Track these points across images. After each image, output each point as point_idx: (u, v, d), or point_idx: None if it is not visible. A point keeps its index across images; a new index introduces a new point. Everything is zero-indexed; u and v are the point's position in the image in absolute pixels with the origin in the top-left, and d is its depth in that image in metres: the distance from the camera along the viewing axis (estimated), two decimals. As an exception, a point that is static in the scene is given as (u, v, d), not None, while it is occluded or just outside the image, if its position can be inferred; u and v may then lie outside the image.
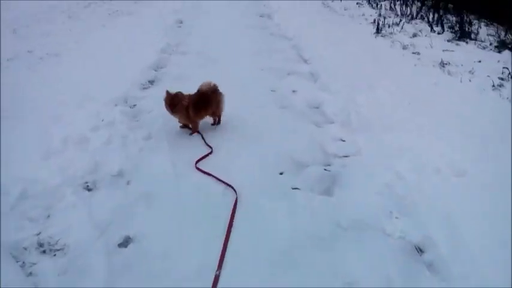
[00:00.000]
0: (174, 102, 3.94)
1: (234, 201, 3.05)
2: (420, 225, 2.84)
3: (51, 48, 7.19)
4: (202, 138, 4.12)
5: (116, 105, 4.87)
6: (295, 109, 4.97)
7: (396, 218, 2.95)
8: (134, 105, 4.98)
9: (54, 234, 2.72)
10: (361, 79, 5.71)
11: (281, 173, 3.54)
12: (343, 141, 4.15)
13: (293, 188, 3.31)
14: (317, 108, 5.01)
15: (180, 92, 3.97)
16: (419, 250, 2.70)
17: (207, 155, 3.77)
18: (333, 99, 5.12)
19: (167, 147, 3.94)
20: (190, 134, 4.23)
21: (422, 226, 2.83)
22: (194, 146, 3.99)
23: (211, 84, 4.22)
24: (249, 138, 4.13)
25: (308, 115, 4.80)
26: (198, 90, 4.18)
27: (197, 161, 3.64)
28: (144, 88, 5.66)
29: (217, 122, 4.46)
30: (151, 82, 5.91)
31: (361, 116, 4.47)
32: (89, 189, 3.24)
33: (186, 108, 4.03)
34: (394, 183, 3.28)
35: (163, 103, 3.99)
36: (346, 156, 3.83)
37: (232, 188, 3.21)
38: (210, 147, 3.93)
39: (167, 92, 3.94)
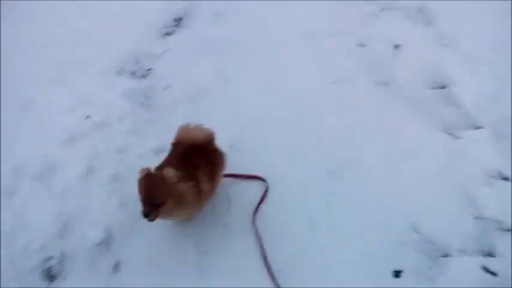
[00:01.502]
0: (156, 193, 1.77)
1: None
2: None
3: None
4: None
5: (119, 72, 3.19)
6: (405, 90, 2.97)
7: None
8: (147, 71, 3.23)
9: None
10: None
11: (397, 273, 1.83)
12: (506, 179, 2.25)
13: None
14: (443, 88, 2.97)
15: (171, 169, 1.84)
16: None
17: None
18: (468, 69, 3.03)
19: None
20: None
21: None
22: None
23: (205, 133, 2.10)
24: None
25: (429, 105, 2.81)
26: (177, 142, 2.08)
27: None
28: (166, 34, 3.77)
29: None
30: (177, 21, 3.98)
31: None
32: (52, 278, 1.80)
33: (196, 190, 1.93)
34: None
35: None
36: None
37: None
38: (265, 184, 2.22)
39: (144, 173, 1.82)
